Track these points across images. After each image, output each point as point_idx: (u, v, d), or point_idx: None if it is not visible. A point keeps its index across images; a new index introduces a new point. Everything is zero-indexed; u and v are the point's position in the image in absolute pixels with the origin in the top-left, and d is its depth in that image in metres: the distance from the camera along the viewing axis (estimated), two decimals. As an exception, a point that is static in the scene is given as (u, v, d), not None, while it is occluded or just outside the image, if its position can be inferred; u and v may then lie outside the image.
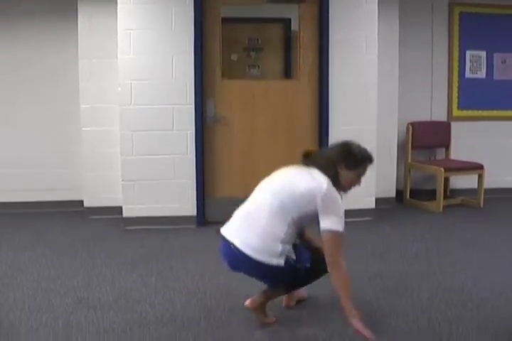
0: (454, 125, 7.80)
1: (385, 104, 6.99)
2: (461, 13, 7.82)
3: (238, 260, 3.52)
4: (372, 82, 6.62)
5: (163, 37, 6.28)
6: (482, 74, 7.98)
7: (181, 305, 4.21)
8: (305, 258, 3.58)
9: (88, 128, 6.78)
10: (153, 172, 6.40)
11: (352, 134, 6.58)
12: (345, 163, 3.61)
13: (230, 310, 4.07)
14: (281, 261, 3.45)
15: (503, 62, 7.99)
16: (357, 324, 3.40)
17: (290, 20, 6.87)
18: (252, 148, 6.61)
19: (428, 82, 7.82)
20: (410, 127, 7.55)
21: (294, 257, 3.52)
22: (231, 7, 6.55)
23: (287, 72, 7.06)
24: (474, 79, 7.96)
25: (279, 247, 3.44)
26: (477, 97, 7.99)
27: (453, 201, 7.58)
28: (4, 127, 7.14)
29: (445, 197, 7.41)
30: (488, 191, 7.43)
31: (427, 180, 7.76)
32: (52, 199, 7.19)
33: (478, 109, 8.01)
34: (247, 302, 3.76)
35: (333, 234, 3.38)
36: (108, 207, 6.86)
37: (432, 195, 7.36)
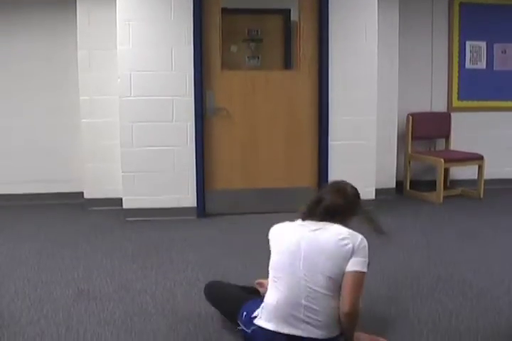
0: (454, 116, 7.79)
1: (385, 95, 6.98)
2: (461, 4, 7.79)
3: None
4: (372, 73, 6.61)
5: (163, 28, 6.26)
6: (482, 64, 7.97)
7: (182, 296, 4.21)
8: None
9: (88, 120, 6.77)
10: (154, 163, 6.40)
11: (352, 125, 6.63)
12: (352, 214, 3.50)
13: (230, 301, 4.08)
14: None
15: (503, 52, 7.97)
16: (366, 339, 3.40)
17: (290, 10, 6.85)
18: (252, 139, 6.61)
19: (428, 73, 7.80)
20: (410, 118, 7.54)
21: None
22: (230, -2, 6.54)
23: (287, 63, 7.05)
24: (474, 70, 7.94)
25: None
26: (477, 88, 7.98)
27: (453, 192, 7.58)
28: (4, 119, 7.13)
29: (445, 188, 7.40)
30: (488, 182, 7.43)
31: (427, 170, 7.76)
32: (52, 191, 7.19)
33: (478, 99, 7.99)
34: None
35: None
36: (108, 199, 6.85)
37: (431, 185, 7.36)
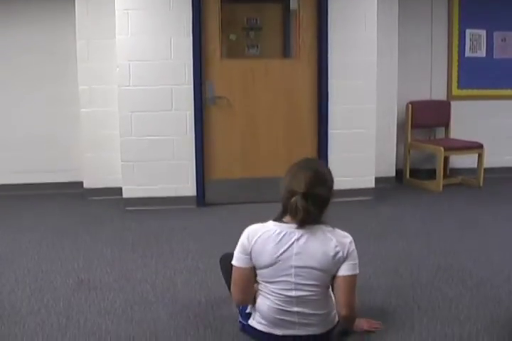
0: (453, 104, 7.78)
1: (384, 83, 6.96)
2: (460, -8, 7.79)
3: None
4: (371, 61, 6.59)
5: (162, 17, 6.23)
6: (482, 53, 7.94)
7: (182, 285, 4.22)
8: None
9: (87, 110, 6.76)
10: (153, 152, 6.39)
11: (351, 114, 6.62)
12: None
13: (230, 290, 4.08)
14: None
15: (503, 40, 7.95)
16: (364, 324, 3.43)
17: (289, -1, 6.84)
18: (252, 128, 6.60)
19: (428, 61, 7.78)
20: (410, 106, 7.52)
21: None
22: (230, -14, 6.52)
23: (286, 52, 7.03)
24: (474, 58, 7.92)
25: None
26: (477, 76, 7.96)
27: (452, 180, 7.58)
28: (3, 109, 7.11)
29: (445, 176, 7.40)
30: (487, 170, 7.42)
31: (427, 159, 7.76)
32: (51, 180, 7.18)
33: (478, 88, 7.98)
34: None
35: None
36: (108, 188, 6.85)
37: (431, 174, 7.36)
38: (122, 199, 6.48)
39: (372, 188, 6.77)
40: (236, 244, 3.23)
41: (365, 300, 3.82)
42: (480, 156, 7.37)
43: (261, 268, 3.18)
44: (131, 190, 6.45)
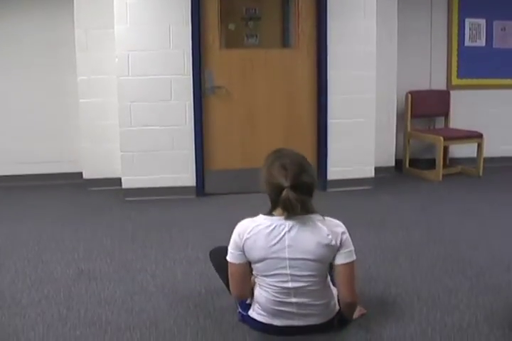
0: (453, 94, 7.77)
1: (384, 73, 6.95)
2: (460, -19, 7.77)
3: None
4: (370, 51, 6.58)
5: (161, 6, 6.21)
6: (481, 42, 7.93)
7: (182, 275, 4.23)
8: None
9: (86, 100, 6.74)
10: (152, 143, 6.39)
11: (351, 103, 6.61)
12: None
13: (230, 280, 4.09)
14: None
15: (503, 30, 7.93)
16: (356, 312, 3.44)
17: (288, -12, 6.81)
18: (252, 118, 6.59)
19: (427, 51, 7.77)
20: (409, 96, 7.52)
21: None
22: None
23: (285, 41, 7.01)
24: (474, 48, 7.90)
25: None
26: (476, 66, 7.94)
27: (452, 170, 7.58)
28: (2, 100, 7.09)
29: (444, 166, 7.41)
30: (487, 160, 7.42)
31: (427, 149, 7.76)
32: (51, 171, 7.17)
33: (477, 77, 7.96)
34: None
35: None
36: (107, 179, 6.85)
37: (431, 163, 7.36)
38: (122, 190, 6.48)
39: (372, 178, 6.77)
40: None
41: (365, 289, 3.82)
42: (479, 146, 7.36)
43: (255, 263, 3.18)
44: (130, 181, 6.45)
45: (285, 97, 6.61)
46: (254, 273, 3.26)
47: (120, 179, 6.49)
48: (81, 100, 6.75)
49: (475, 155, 7.41)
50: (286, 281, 3.14)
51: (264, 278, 3.20)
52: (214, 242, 4.64)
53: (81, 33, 6.62)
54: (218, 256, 3.53)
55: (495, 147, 7.66)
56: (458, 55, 7.87)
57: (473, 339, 3.20)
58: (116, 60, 6.24)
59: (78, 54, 6.66)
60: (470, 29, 7.85)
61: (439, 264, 4.40)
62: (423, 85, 7.76)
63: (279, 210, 3.13)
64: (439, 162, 7.19)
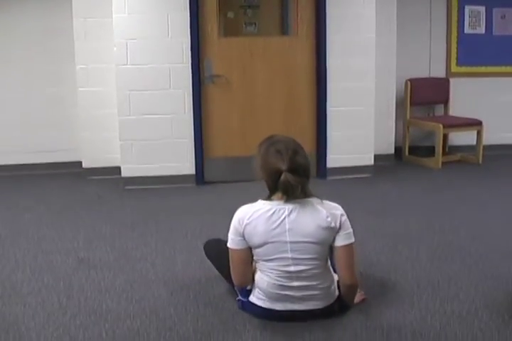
0: (452, 81, 7.75)
1: (383, 61, 6.92)
2: (459, -33, 7.73)
3: None
4: (370, 38, 6.56)
5: (159, -5, 6.21)
6: (481, 29, 7.89)
7: (182, 264, 4.24)
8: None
9: (84, 89, 6.73)
10: (151, 131, 6.38)
11: (350, 91, 6.60)
12: None
13: (230, 268, 4.09)
14: None
15: (503, 17, 7.89)
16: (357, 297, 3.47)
17: (287, -24, 6.79)
18: (251, 106, 6.58)
19: (426, 38, 7.74)
20: (409, 83, 7.50)
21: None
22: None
23: (284, 29, 6.99)
24: (473, 35, 7.87)
25: None
26: (476, 53, 7.92)
27: (452, 157, 7.57)
28: (1, 90, 7.07)
29: (444, 153, 7.40)
30: (486, 147, 7.42)
31: (426, 136, 7.74)
32: (50, 160, 7.17)
33: (477, 65, 7.94)
34: None
35: None
36: (107, 168, 6.84)
37: (430, 151, 7.36)
38: (121, 179, 6.48)
39: (372, 165, 6.77)
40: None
41: (365, 276, 3.83)
42: (479, 133, 7.36)
43: (256, 248, 3.20)
44: (129, 169, 6.45)
45: (284, 85, 6.60)
46: (255, 258, 3.27)
47: (119, 168, 6.49)
48: (80, 89, 6.74)
49: (474, 142, 7.40)
50: (288, 265, 3.16)
51: (266, 263, 3.21)
52: (214, 230, 4.67)
53: (79, 21, 6.58)
54: (212, 247, 3.64)
55: (494, 134, 7.65)
56: (457, 43, 7.84)
57: (472, 327, 3.21)
58: (115, 48, 6.23)
59: (76, 43, 6.63)
60: (470, 16, 7.82)
61: (439, 252, 4.40)
62: (422, 73, 7.74)
63: (277, 195, 3.15)
64: (439, 149, 7.19)
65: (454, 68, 7.88)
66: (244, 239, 3.20)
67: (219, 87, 6.49)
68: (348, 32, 6.52)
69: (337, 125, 6.63)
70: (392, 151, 7.45)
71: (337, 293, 3.33)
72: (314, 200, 3.18)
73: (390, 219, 5.21)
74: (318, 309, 3.26)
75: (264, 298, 3.26)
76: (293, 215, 3.13)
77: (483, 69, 7.94)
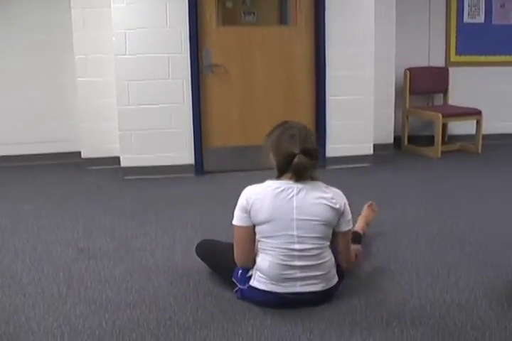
0: (451, 70, 7.74)
1: (382, 50, 6.91)
2: (459, -44, 7.71)
3: None
4: (369, 27, 6.54)
5: (157, -16, 6.19)
6: (480, 18, 7.88)
7: (181, 253, 4.24)
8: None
9: (83, 79, 6.72)
10: (150, 121, 6.38)
11: (349, 80, 6.59)
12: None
13: (229, 257, 4.10)
14: None
15: (502, 6, 7.88)
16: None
17: (286, -36, 6.76)
18: (250, 96, 6.58)
19: (426, 27, 7.73)
20: (408, 73, 7.49)
21: None
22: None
23: (283, 19, 6.97)
24: (473, 24, 7.86)
25: None
26: (475, 42, 7.91)
27: (451, 147, 7.57)
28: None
29: (443, 143, 7.40)
30: (486, 137, 7.42)
31: (425, 126, 7.74)
32: (49, 151, 7.16)
33: (476, 54, 7.93)
34: None
35: None
36: (106, 158, 6.83)
37: (430, 140, 7.35)
38: (120, 169, 6.48)
39: (371, 155, 6.77)
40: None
41: (364, 265, 3.84)
42: (478, 122, 7.35)
43: (261, 224, 3.25)
44: (129, 159, 6.45)
45: (283, 75, 6.59)
46: (257, 237, 3.32)
47: (119, 158, 6.48)
48: (79, 79, 6.72)
49: (474, 132, 7.40)
50: (293, 243, 3.22)
51: (269, 241, 3.25)
52: (213, 220, 4.67)
53: (78, 11, 6.56)
54: (203, 247, 3.81)
55: (494, 124, 7.65)
56: (457, 32, 7.83)
57: (471, 315, 3.22)
58: (114, 38, 6.21)
59: (75, 33, 6.61)
60: (469, 5, 7.80)
61: (438, 240, 4.41)
62: (422, 62, 7.73)
63: (287, 175, 3.26)
64: (438, 139, 7.18)
65: (453, 57, 7.87)
66: (250, 216, 3.26)
67: (218, 77, 6.48)
68: (347, 21, 6.50)
69: (336, 114, 6.63)
70: (392, 141, 7.45)
71: (336, 278, 3.38)
72: (321, 183, 3.32)
73: (389, 208, 5.20)
74: (319, 291, 3.29)
75: (265, 280, 3.28)
76: (301, 194, 3.22)
77: (482, 58, 7.93)
